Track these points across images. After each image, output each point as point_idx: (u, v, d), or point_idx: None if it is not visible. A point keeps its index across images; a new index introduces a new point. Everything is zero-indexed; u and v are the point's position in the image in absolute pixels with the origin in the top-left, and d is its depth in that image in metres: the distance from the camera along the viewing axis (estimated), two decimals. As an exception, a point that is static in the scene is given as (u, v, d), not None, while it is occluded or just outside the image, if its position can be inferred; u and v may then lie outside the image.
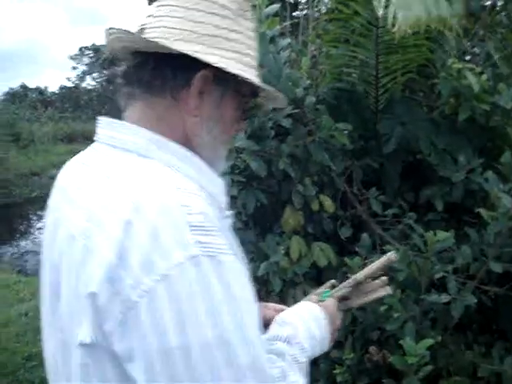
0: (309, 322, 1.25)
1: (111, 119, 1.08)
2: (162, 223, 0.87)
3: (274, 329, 1.21)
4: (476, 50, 2.96)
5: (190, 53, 1.01)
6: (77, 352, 0.93)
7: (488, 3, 3.21)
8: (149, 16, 1.11)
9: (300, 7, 3.87)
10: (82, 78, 36.05)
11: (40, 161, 21.89)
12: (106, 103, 30.17)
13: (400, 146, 2.78)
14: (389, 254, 1.45)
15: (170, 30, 1.05)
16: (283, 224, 2.64)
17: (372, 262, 1.48)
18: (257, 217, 2.76)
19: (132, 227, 0.86)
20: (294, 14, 3.85)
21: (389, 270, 2.35)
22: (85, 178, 1.04)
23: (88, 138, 27.02)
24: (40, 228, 14.07)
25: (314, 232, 2.71)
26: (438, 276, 2.26)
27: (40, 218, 15.87)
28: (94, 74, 34.88)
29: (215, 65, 1.02)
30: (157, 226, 0.86)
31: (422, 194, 2.74)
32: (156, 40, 1.03)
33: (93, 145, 1.11)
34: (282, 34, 2.39)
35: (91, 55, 34.80)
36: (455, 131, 2.67)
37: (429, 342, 2.04)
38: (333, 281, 1.47)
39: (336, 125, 2.54)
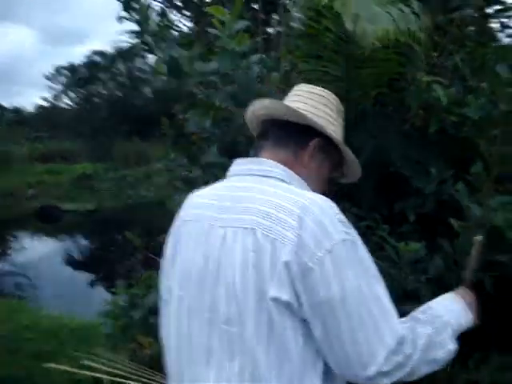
0: (441, 300, 1.62)
1: (252, 158, 1.56)
2: (323, 217, 1.33)
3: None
4: (444, 63, 2.99)
5: (316, 124, 1.55)
6: (263, 313, 1.33)
7: (456, 16, 3.27)
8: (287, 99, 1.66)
9: (272, 23, 3.90)
10: (58, 97, 35.82)
11: (16, 181, 21.69)
12: (82, 122, 29.98)
13: (373, 159, 2.80)
14: (476, 238, 1.87)
15: (298, 108, 1.55)
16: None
17: None
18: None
19: (304, 220, 1.32)
20: (267, 30, 3.88)
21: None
22: (244, 194, 1.45)
23: (64, 158, 26.94)
24: (17, 249, 13.92)
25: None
26: (411, 287, 2.28)
27: (16, 238, 15.68)
28: (71, 94, 34.68)
29: (330, 136, 1.57)
30: (320, 219, 1.33)
31: (395, 206, 2.76)
32: (300, 112, 1.55)
33: (232, 177, 1.56)
34: (256, 50, 2.41)
35: (67, 75, 34.61)
36: (426, 143, 2.70)
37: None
38: None
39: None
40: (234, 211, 1.43)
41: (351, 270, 1.33)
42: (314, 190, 1.54)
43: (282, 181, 1.48)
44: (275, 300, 1.32)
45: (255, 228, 1.35)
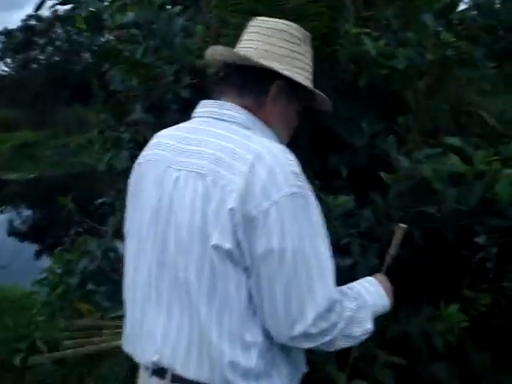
0: (361, 282, 1.62)
1: (217, 101, 1.50)
2: (276, 167, 1.31)
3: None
4: (377, 17, 2.96)
5: (270, 67, 1.47)
6: (205, 259, 1.32)
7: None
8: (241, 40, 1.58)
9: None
10: (-6, 63, 34.57)
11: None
12: (20, 89, 29.07)
13: (304, 114, 2.76)
14: (399, 227, 1.87)
15: (255, 50, 1.50)
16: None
17: None
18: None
19: (255, 167, 1.30)
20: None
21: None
22: (198, 137, 1.43)
23: (3, 126, 26.13)
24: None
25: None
26: (344, 241, 2.28)
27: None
28: (7, 59, 33.51)
29: (288, 76, 1.48)
30: (273, 168, 1.30)
31: (328, 162, 2.74)
32: (248, 57, 1.47)
33: (195, 119, 1.52)
34: (175, 3, 2.32)
35: (3, 40, 33.39)
36: (357, 98, 2.68)
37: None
38: None
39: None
40: (189, 155, 1.41)
41: (296, 225, 1.32)
42: (280, 134, 1.58)
43: (244, 126, 1.45)
44: (217, 247, 1.32)
45: (206, 173, 1.34)
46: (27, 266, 9.71)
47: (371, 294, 1.57)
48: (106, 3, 2.36)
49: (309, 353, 1.64)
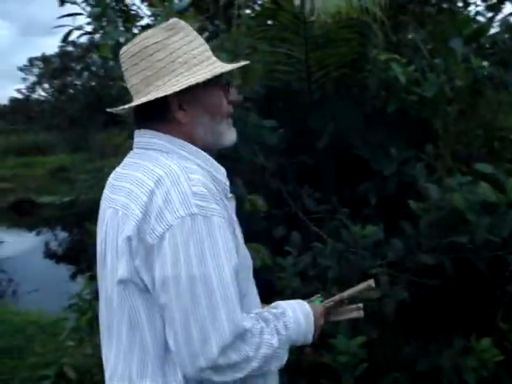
0: (298, 312, 1.44)
1: (141, 130, 1.42)
2: (173, 190, 1.23)
3: (267, 308, 1.46)
4: (406, 42, 2.94)
5: (149, 98, 1.35)
6: (118, 292, 1.30)
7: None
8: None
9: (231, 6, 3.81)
10: (32, 89, 35.37)
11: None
12: (58, 114, 29.64)
13: (333, 141, 2.74)
14: (369, 280, 1.66)
15: (132, 87, 1.41)
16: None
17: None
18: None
19: (154, 194, 1.24)
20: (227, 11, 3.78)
21: (318, 267, 2.32)
22: (125, 172, 1.39)
23: (40, 150, 26.66)
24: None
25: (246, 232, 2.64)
26: (372, 272, 2.22)
27: (-6, 233, 15.49)
28: (45, 85, 34.26)
29: (170, 92, 1.33)
30: (169, 192, 1.23)
31: (358, 190, 2.70)
32: (134, 99, 1.40)
33: (131, 151, 1.45)
34: (204, 30, 2.32)
35: (41, 66, 34.16)
36: (386, 124, 2.64)
37: (361, 339, 1.99)
38: (318, 294, 1.68)
39: (263, 122, 2.48)
40: (117, 191, 1.37)
41: (194, 248, 1.21)
42: (212, 130, 1.44)
43: (161, 151, 1.36)
44: (121, 281, 1.28)
45: (118, 208, 1.31)
46: (63, 288, 9.77)
47: (299, 326, 1.42)
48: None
49: None
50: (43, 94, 34.90)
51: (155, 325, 1.28)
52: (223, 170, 1.44)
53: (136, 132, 1.45)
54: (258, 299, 1.49)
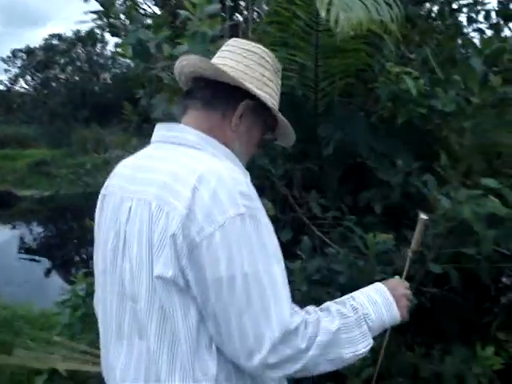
0: (368, 291, 1.47)
1: (169, 123, 1.46)
2: (220, 188, 1.24)
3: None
4: (413, 55, 3.00)
5: (244, 86, 1.43)
6: (151, 287, 1.27)
7: (425, 10, 3.28)
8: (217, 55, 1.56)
9: (240, 9, 3.85)
10: (14, 81, 34.97)
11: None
12: (39, 106, 29.37)
13: (339, 149, 2.79)
14: (420, 218, 1.73)
15: (230, 68, 1.47)
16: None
17: None
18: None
19: (198, 191, 1.23)
20: (233, 16, 3.82)
21: (329, 272, 2.36)
22: (150, 164, 1.39)
23: (20, 143, 26.38)
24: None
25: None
26: (377, 278, 2.27)
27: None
28: (28, 77, 33.91)
29: (260, 98, 1.45)
30: (216, 191, 1.24)
31: (361, 197, 2.75)
32: (224, 71, 1.43)
33: (151, 144, 1.48)
34: (222, 37, 2.35)
35: (24, 58, 33.81)
36: (393, 135, 2.70)
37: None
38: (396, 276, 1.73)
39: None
40: (141, 182, 1.36)
41: (245, 248, 1.23)
42: (241, 154, 1.49)
43: (194, 148, 1.39)
44: (160, 278, 1.25)
45: (151, 200, 1.29)
46: (37, 283, 9.71)
47: (377, 305, 1.42)
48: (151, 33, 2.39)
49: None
50: (25, 86, 34.53)
51: (190, 322, 1.28)
52: (248, 174, 1.46)
53: (161, 125, 1.47)
54: None
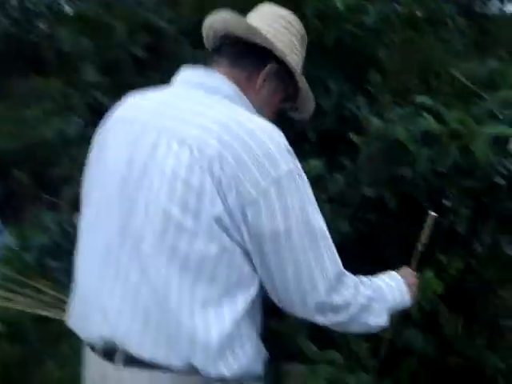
0: (382, 276, 1.55)
1: (203, 69, 1.42)
2: (270, 144, 1.24)
3: None
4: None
5: (277, 48, 1.43)
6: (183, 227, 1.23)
7: None
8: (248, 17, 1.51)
9: None
10: None
11: None
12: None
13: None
14: (430, 215, 1.81)
15: (265, 31, 1.43)
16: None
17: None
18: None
19: (247, 143, 1.23)
20: None
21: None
22: (182, 104, 1.35)
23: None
24: None
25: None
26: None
27: None
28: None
29: (288, 63, 1.45)
30: (268, 145, 1.24)
31: (295, 126, 2.65)
32: (257, 29, 1.41)
33: (179, 86, 1.44)
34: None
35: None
36: (323, 57, 2.57)
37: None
38: None
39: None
40: (173, 119, 1.32)
41: (297, 201, 1.28)
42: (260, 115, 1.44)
43: (231, 100, 1.38)
44: (215, 219, 1.24)
45: (192, 142, 1.25)
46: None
47: (392, 289, 1.53)
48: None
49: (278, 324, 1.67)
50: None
51: (221, 265, 1.26)
52: None
53: (201, 72, 1.43)
54: None
